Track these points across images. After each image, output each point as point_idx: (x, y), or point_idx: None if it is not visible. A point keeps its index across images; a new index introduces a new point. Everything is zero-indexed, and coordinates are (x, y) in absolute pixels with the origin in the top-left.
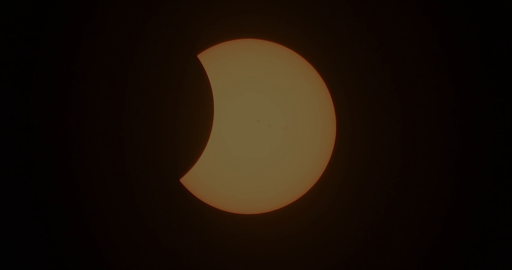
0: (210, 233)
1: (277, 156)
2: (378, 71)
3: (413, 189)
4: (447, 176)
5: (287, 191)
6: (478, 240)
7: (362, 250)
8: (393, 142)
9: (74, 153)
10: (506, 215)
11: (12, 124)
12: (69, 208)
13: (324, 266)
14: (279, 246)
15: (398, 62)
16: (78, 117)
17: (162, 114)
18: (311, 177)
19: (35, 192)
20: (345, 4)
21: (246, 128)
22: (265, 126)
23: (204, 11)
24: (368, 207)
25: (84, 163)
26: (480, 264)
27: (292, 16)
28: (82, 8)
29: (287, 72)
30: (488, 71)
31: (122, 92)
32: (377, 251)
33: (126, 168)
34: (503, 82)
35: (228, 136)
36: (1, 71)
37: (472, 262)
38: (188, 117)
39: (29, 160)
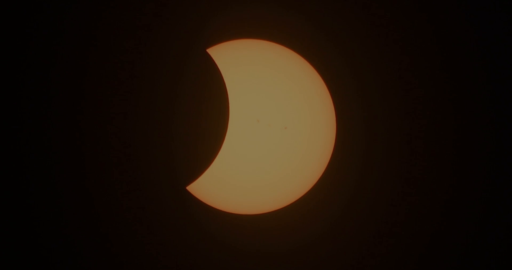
0: (211, 232)
1: (277, 156)
2: (378, 71)
3: (413, 188)
4: (446, 175)
5: (287, 191)
6: (478, 240)
7: (362, 249)
8: (392, 142)
9: (79, 158)
10: (506, 215)
11: (26, 128)
12: (77, 215)
13: (325, 265)
14: (280, 245)
15: (398, 62)
16: (86, 119)
17: (172, 117)
18: (311, 176)
19: (40, 203)
20: (345, 5)
21: (245, 128)
22: (265, 126)
23: (203, 12)
24: (368, 207)
25: (88, 169)
26: (480, 264)
27: (293, 18)
28: (94, 5)
29: (286, 72)
30: (487, 72)
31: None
32: (376, 250)
33: (133, 174)
34: (501, 83)
35: (227, 135)
36: (3, 71)
37: (472, 262)
38: (202, 121)
39: (39, 165)
